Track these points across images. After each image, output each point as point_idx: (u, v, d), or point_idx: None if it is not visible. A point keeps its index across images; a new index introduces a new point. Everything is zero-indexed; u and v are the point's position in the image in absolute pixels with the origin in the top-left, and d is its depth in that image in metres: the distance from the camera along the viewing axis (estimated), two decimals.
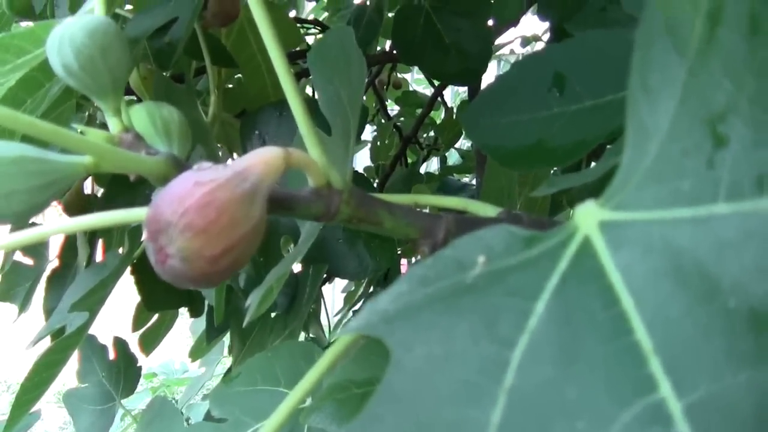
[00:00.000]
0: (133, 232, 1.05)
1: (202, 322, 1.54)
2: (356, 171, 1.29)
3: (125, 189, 1.02)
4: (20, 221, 0.39)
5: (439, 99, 1.88)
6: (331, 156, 0.44)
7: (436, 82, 1.72)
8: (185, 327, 2.03)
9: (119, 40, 0.42)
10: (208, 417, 0.84)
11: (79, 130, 0.41)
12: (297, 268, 1.07)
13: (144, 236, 0.36)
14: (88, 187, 1.34)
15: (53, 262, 1.40)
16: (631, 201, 0.27)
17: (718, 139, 0.26)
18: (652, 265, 0.26)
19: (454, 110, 2.08)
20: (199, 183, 0.36)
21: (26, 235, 0.41)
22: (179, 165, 0.42)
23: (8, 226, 0.83)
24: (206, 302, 1.16)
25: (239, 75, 1.29)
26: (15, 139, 0.51)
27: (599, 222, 0.28)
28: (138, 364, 1.30)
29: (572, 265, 0.28)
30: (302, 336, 1.20)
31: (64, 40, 0.41)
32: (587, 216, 0.28)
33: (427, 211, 0.44)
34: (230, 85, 1.31)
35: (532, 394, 0.25)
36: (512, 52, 3.10)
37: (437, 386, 0.26)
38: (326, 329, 1.49)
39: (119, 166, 0.40)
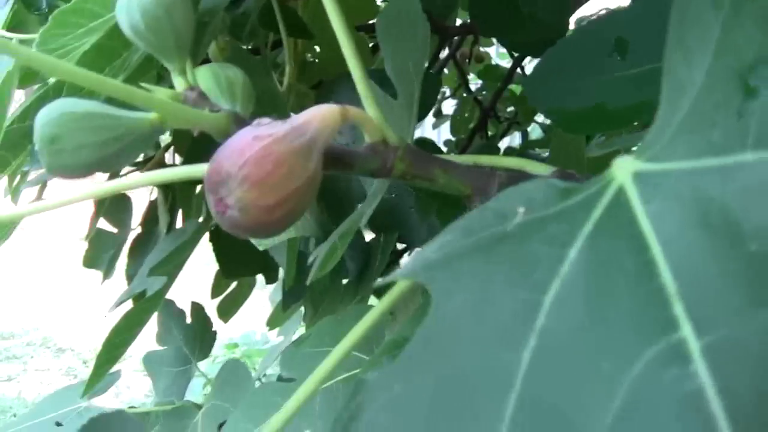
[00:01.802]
0: None
1: (280, 291, 1.57)
2: (426, 138, 1.30)
3: (203, 156, 1.04)
4: (89, 173, 0.41)
5: (519, 72, 1.87)
6: (395, 118, 0.45)
7: (516, 55, 1.71)
8: (266, 299, 2.07)
9: (183, 1, 0.44)
10: (279, 378, 0.86)
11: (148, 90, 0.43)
12: (369, 236, 1.09)
13: (205, 188, 0.38)
14: (169, 159, 1.38)
15: (136, 230, 1.45)
16: (664, 153, 0.28)
17: (749, 90, 0.27)
18: (681, 213, 0.26)
19: None
20: (257, 137, 0.37)
21: (108, 186, 0.43)
22: (240, 121, 0.44)
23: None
24: (281, 270, 1.19)
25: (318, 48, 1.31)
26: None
27: (633, 173, 0.29)
28: (213, 329, 1.33)
29: (605, 214, 0.29)
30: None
31: (132, 1, 0.43)
32: (623, 167, 0.29)
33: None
34: (311, 58, 1.33)
35: (562, 336, 0.26)
36: None
37: (473, 330, 0.28)
38: None
39: (183, 121, 0.42)
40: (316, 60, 1.31)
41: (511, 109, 2.22)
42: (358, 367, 0.79)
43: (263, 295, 1.90)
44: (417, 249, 1.20)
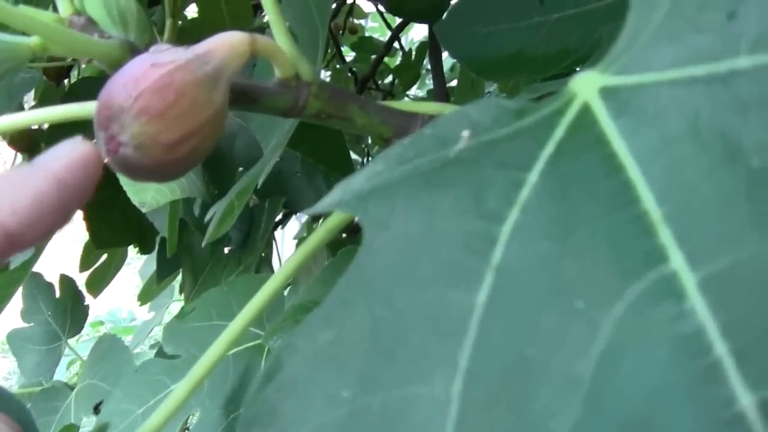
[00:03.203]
0: None
1: (150, 265, 1.50)
2: None
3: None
4: None
5: (395, 44, 1.84)
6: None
7: (394, 24, 1.68)
8: (132, 275, 1.99)
9: None
10: (160, 354, 0.81)
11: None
12: (252, 203, 1.04)
13: (95, 125, 0.33)
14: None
15: None
16: (636, 63, 0.25)
17: None
18: (662, 130, 0.23)
19: (413, 53, 2.04)
20: (156, 65, 0.32)
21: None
22: (136, 50, 0.38)
23: None
24: (157, 240, 1.13)
25: (193, 16, 1.26)
26: None
27: (600, 88, 0.25)
28: (85, 303, 1.25)
29: (569, 133, 0.25)
30: None
31: None
32: (586, 83, 0.26)
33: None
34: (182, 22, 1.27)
35: (523, 272, 0.22)
36: None
37: (415, 267, 0.24)
38: None
39: (69, 49, 0.37)
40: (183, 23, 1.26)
41: (386, 81, 2.20)
42: (251, 340, 0.74)
43: (128, 271, 1.83)
44: (299, 213, 1.15)
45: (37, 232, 0.29)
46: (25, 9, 0.37)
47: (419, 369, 0.22)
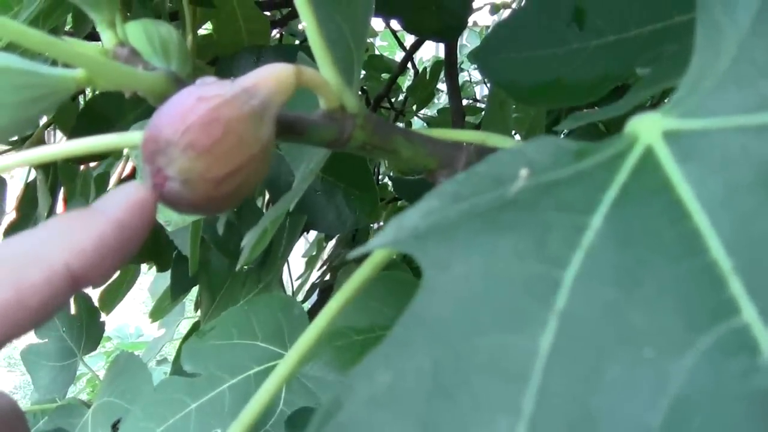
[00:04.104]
0: (99, 179, 1.00)
1: (161, 282, 1.49)
2: None
3: (91, 133, 0.97)
4: (4, 137, 0.35)
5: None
6: None
7: (408, 44, 1.69)
8: (139, 291, 1.98)
9: None
10: (176, 372, 0.80)
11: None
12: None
13: (141, 158, 0.33)
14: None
15: (10, 215, 1.33)
16: (702, 108, 0.24)
17: None
18: (730, 177, 0.22)
19: (427, 72, 2.04)
20: (202, 98, 0.32)
21: (34, 155, 0.37)
22: (180, 82, 0.38)
23: None
24: (173, 256, 1.12)
25: (208, 31, 1.26)
26: None
27: (664, 132, 0.25)
28: (101, 319, 1.24)
29: (633, 177, 0.24)
30: None
31: None
32: (648, 126, 0.25)
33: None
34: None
35: (589, 319, 0.22)
36: (476, 24, 3.10)
37: (477, 309, 0.23)
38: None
39: (114, 82, 0.36)
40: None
41: (399, 99, 2.20)
42: (273, 359, 0.73)
43: (135, 287, 1.83)
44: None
45: (99, 273, 0.30)
46: (70, 41, 0.37)
47: (481, 414, 0.22)
